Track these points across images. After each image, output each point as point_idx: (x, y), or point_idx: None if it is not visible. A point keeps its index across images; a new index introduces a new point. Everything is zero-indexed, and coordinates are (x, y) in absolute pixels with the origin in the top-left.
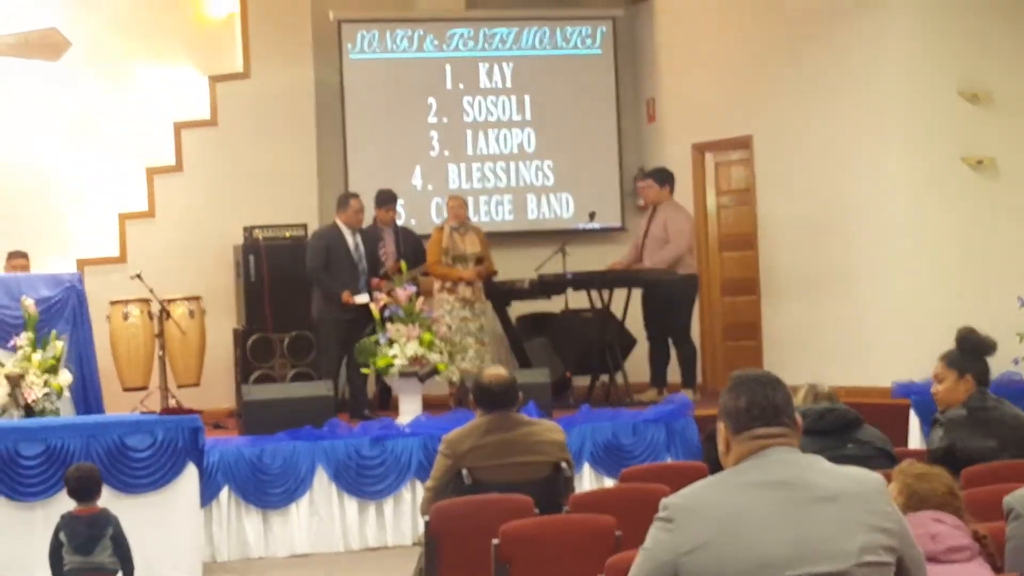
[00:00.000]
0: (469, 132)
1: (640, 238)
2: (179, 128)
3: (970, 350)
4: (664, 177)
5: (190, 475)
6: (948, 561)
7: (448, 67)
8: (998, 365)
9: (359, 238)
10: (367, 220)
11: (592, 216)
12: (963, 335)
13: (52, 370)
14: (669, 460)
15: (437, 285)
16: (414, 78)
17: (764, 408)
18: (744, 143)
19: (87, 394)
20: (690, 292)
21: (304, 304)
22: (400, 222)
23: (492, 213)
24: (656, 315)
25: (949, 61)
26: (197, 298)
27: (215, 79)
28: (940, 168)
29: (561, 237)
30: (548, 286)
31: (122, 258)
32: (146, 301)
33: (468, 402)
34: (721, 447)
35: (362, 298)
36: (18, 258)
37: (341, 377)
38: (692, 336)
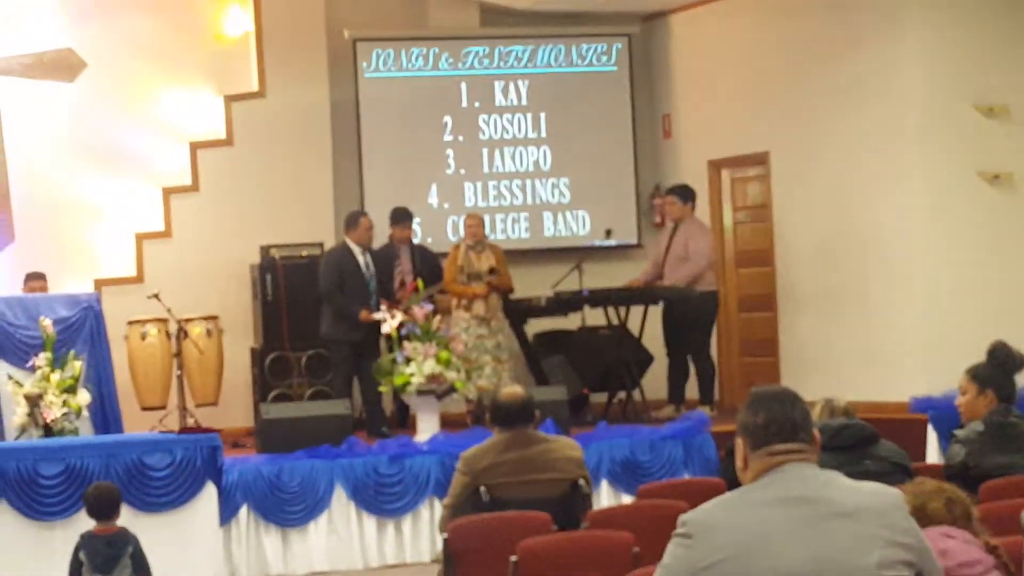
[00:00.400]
0: (485, 150)
1: (661, 255)
2: (195, 148)
3: (997, 365)
4: (687, 194)
5: (209, 494)
6: None
7: (464, 85)
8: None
9: (369, 257)
10: (382, 238)
11: (608, 233)
12: (993, 348)
13: (71, 390)
14: (687, 477)
15: (454, 303)
16: (429, 96)
17: (782, 424)
18: (761, 159)
19: (105, 414)
20: (710, 309)
21: (321, 322)
22: (416, 240)
23: (508, 231)
24: (675, 332)
25: (965, 76)
26: (214, 317)
27: (231, 98)
28: (956, 183)
29: (577, 254)
30: (565, 303)
31: (139, 278)
32: (164, 321)
33: (485, 420)
34: (739, 463)
35: (380, 315)
36: (36, 280)
37: (355, 396)
38: (711, 353)
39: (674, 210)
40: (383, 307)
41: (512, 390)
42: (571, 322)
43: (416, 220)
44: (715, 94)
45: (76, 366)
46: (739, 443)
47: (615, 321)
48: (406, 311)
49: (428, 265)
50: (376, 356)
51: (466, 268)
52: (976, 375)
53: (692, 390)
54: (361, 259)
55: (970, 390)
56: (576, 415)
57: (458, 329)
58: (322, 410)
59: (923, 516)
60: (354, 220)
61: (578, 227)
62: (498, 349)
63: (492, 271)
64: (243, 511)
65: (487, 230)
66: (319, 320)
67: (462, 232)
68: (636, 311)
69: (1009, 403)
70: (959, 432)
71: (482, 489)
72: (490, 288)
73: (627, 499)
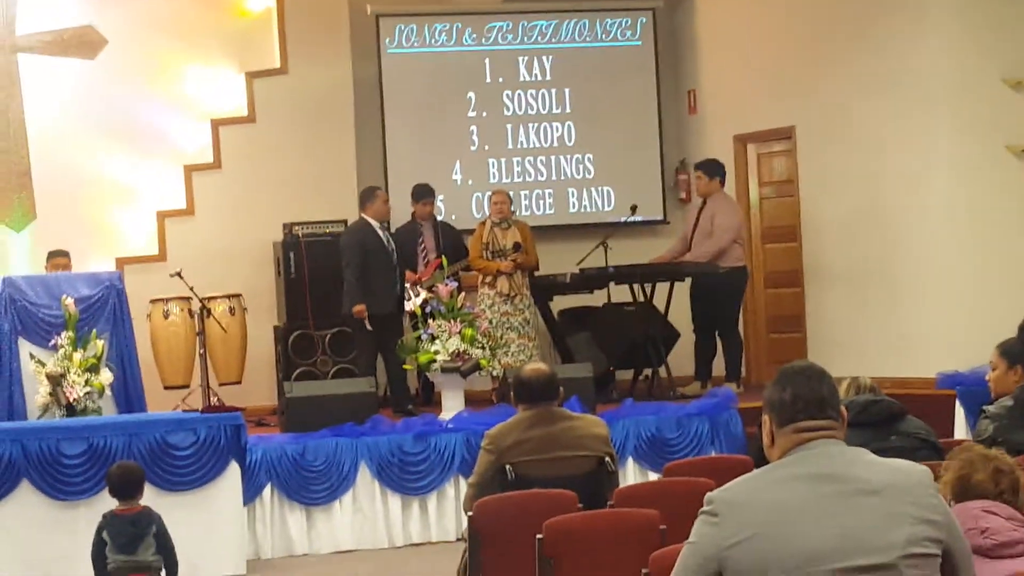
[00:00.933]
0: (509, 126)
1: (689, 230)
2: (217, 125)
3: None
4: (714, 169)
5: (233, 473)
6: (999, 557)
7: (487, 60)
8: None
9: (387, 233)
10: (405, 216)
11: (634, 209)
12: (1023, 324)
13: (93, 369)
14: (713, 454)
15: (479, 280)
16: (453, 72)
17: (809, 401)
18: (787, 134)
19: (128, 393)
20: (738, 285)
21: None
22: (440, 217)
23: (533, 207)
24: (702, 308)
25: (992, 49)
26: (237, 295)
27: (252, 75)
28: (985, 157)
29: (603, 231)
30: (590, 280)
31: (162, 256)
32: (186, 299)
33: (510, 397)
34: (766, 440)
35: (368, 323)
36: (59, 257)
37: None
38: (738, 329)
39: (701, 185)
40: (407, 284)
41: (536, 367)
42: (596, 299)
43: (440, 197)
44: (740, 69)
45: (98, 345)
46: (766, 419)
47: (641, 298)
48: (430, 288)
49: (452, 242)
50: (400, 334)
51: (491, 245)
52: (1006, 351)
53: (718, 367)
54: (382, 235)
55: (1000, 366)
56: (602, 392)
57: (483, 306)
58: (346, 388)
59: (967, 487)
60: (370, 195)
61: (603, 203)
62: (525, 326)
63: (517, 247)
64: (267, 490)
65: (512, 207)
66: (342, 298)
67: (487, 209)
68: (662, 287)
69: None
70: (989, 407)
71: (507, 467)
72: (515, 265)
73: (653, 476)
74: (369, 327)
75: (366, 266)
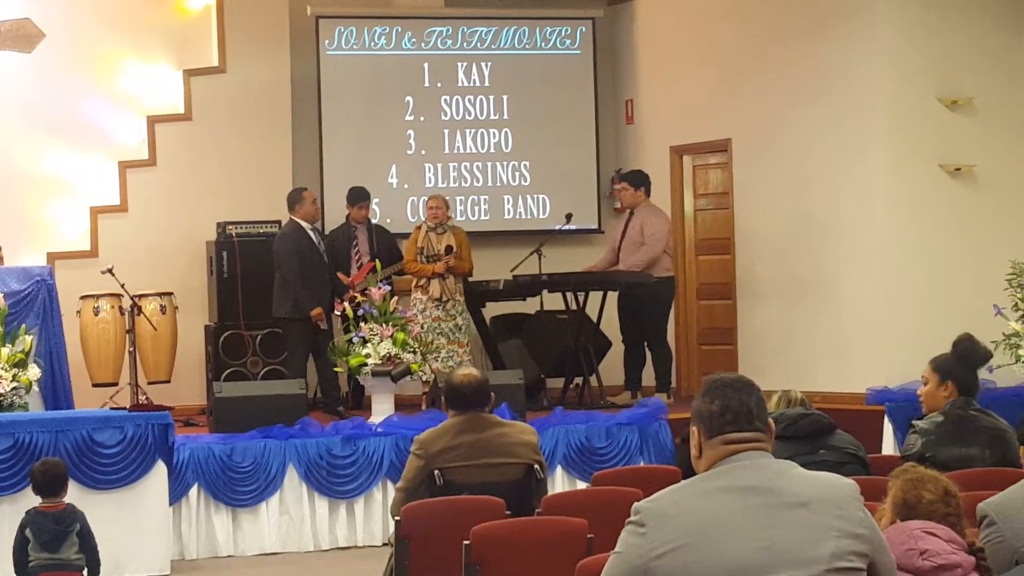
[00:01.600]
0: (446, 131)
1: (617, 240)
2: (153, 122)
3: (960, 357)
4: (639, 180)
5: (159, 472)
6: None
7: (426, 65)
8: None
9: (318, 234)
10: (340, 218)
11: (569, 217)
12: (957, 340)
13: (21, 364)
14: (642, 464)
15: (412, 284)
16: (392, 75)
17: (737, 413)
18: (722, 146)
19: (56, 389)
20: (667, 295)
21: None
22: (375, 220)
23: (468, 213)
24: (632, 318)
25: (929, 67)
26: (169, 294)
27: (190, 73)
28: (919, 174)
29: (537, 238)
30: (523, 287)
31: (93, 252)
32: (117, 296)
33: (441, 403)
34: (694, 451)
35: (323, 323)
36: None
37: (310, 376)
38: (668, 340)
39: (626, 196)
40: (345, 281)
41: (468, 372)
42: (529, 306)
43: (375, 200)
44: (678, 80)
45: (27, 340)
46: (694, 431)
47: (573, 306)
48: (363, 292)
49: (386, 246)
50: (332, 336)
51: (426, 249)
52: (938, 366)
53: (648, 377)
54: (314, 236)
55: (932, 380)
56: (532, 399)
57: (415, 311)
58: (276, 389)
59: (916, 505)
60: (298, 196)
61: (538, 211)
62: (456, 331)
63: (449, 250)
64: (194, 490)
65: (448, 212)
66: (272, 300)
67: (422, 213)
68: (595, 296)
69: (970, 396)
70: (918, 422)
71: (436, 472)
72: (447, 266)
73: (582, 485)
74: (324, 326)
75: (301, 270)
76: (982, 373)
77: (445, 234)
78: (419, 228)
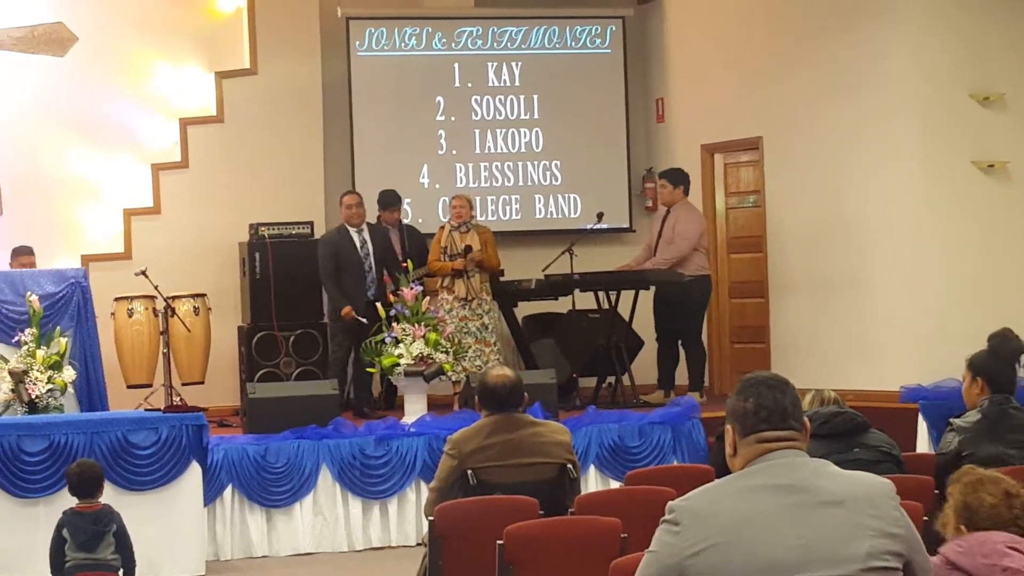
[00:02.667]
0: (477, 131)
1: (654, 238)
2: (185, 124)
3: (990, 352)
4: (678, 178)
5: (194, 473)
6: None
7: (456, 65)
8: None
9: (367, 234)
10: (372, 218)
11: (600, 217)
12: (991, 335)
13: (56, 366)
14: (675, 463)
15: (438, 284)
16: (422, 76)
17: (772, 411)
18: (754, 144)
19: (91, 391)
20: (702, 294)
21: (309, 302)
22: (407, 221)
23: (499, 213)
24: (666, 316)
25: (961, 64)
26: (202, 295)
27: (222, 75)
28: (951, 171)
29: (568, 237)
30: (555, 286)
31: (127, 255)
32: (151, 298)
33: (473, 402)
34: (728, 450)
35: (363, 319)
36: (24, 255)
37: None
38: (702, 338)
39: (665, 194)
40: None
41: (502, 372)
42: (561, 305)
43: (407, 200)
44: (709, 78)
45: (62, 342)
46: (728, 429)
47: (605, 305)
48: (395, 292)
49: (417, 246)
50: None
51: (449, 248)
52: (971, 363)
53: (681, 376)
54: (357, 238)
55: (966, 378)
56: (565, 399)
57: (443, 311)
58: (309, 390)
59: (978, 509)
60: (340, 201)
61: (569, 210)
62: (483, 331)
63: (467, 250)
64: (228, 491)
65: (478, 212)
66: (314, 299)
67: None
68: (627, 295)
69: (1004, 392)
70: (956, 420)
71: (469, 472)
72: (465, 263)
73: (615, 484)
74: (363, 322)
75: (338, 272)
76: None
77: (469, 233)
78: (443, 228)
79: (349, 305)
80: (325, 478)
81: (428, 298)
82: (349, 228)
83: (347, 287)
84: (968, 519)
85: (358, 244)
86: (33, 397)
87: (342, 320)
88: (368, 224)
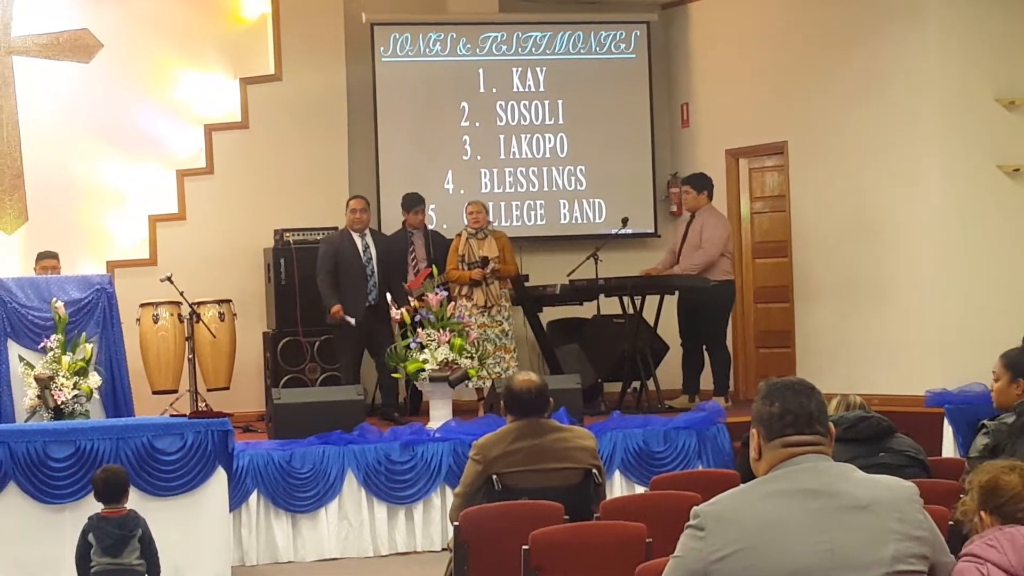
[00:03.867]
0: (502, 136)
1: (678, 244)
2: (210, 130)
3: None
4: (702, 183)
5: (219, 479)
6: None
7: (481, 71)
8: None
9: (370, 239)
10: (396, 224)
11: (625, 222)
12: None
13: (82, 372)
14: (700, 468)
15: (457, 292)
16: (447, 81)
17: (797, 415)
18: (779, 149)
19: (117, 396)
20: (726, 299)
21: None
22: (432, 226)
23: (524, 218)
24: (691, 321)
25: (986, 67)
26: (227, 301)
27: (246, 81)
28: (976, 175)
29: (593, 242)
30: (580, 292)
31: (152, 261)
32: (176, 304)
33: (498, 408)
34: (753, 454)
35: (350, 319)
36: (48, 259)
37: (368, 381)
38: (727, 343)
39: (689, 200)
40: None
41: (527, 378)
42: (586, 311)
43: (431, 206)
44: (733, 83)
45: (88, 348)
46: (754, 433)
47: (630, 310)
48: (420, 297)
49: (442, 251)
50: (389, 341)
51: (467, 256)
52: (1010, 362)
53: (706, 381)
54: (359, 243)
55: (1003, 377)
56: (590, 404)
57: (466, 316)
58: (334, 395)
59: (995, 489)
60: (346, 205)
61: (594, 215)
62: (503, 337)
63: (485, 261)
64: (253, 496)
65: (502, 217)
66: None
67: None
68: (652, 300)
69: None
70: (989, 422)
71: (494, 477)
72: (483, 273)
73: (640, 489)
74: (336, 316)
75: (335, 275)
76: None
77: (486, 240)
78: (459, 236)
79: (338, 304)
80: (350, 483)
81: (453, 303)
82: (352, 232)
83: (345, 290)
84: (988, 500)
85: (360, 248)
86: (59, 403)
87: (357, 315)
88: (373, 231)
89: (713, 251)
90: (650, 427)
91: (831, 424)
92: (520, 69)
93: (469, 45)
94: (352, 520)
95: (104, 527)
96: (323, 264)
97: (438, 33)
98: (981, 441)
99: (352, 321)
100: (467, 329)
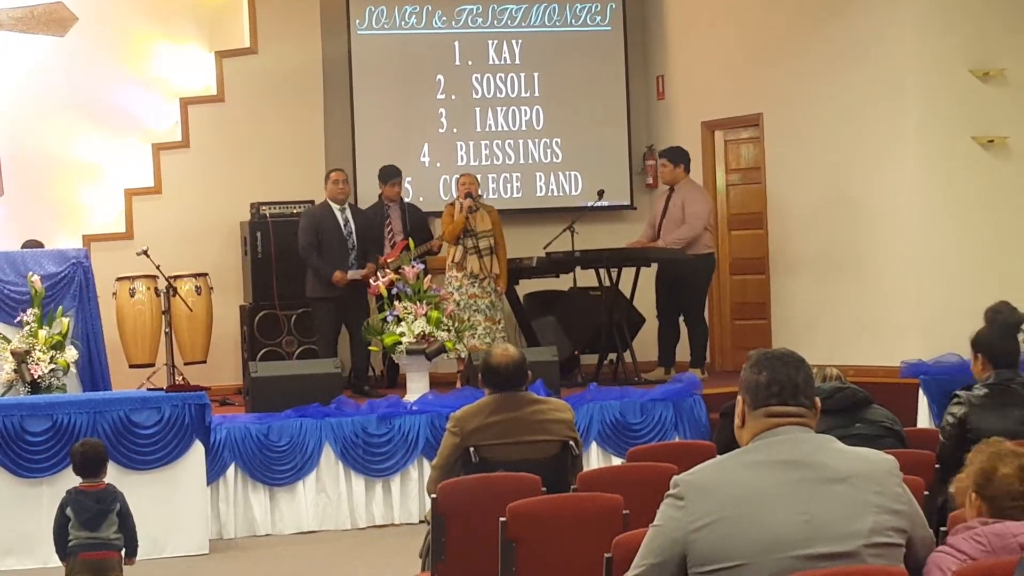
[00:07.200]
0: (478, 109)
1: (657, 217)
2: (186, 104)
3: (987, 324)
4: (679, 156)
5: (196, 452)
6: None
7: (457, 43)
8: None
9: (349, 213)
10: (373, 197)
11: (601, 194)
12: (986, 310)
13: (58, 346)
14: (677, 439)
15: (448, 261)
16: (422, 54)
17: (784, 386)
18: (754, 121)
19: (93, 370)
20: (705, 271)
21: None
22: (408, 199)
23: (500, 191)
24: (669, 294)
25: (961, 39)
26: (204, 275)
27: (222, 54)
28: (951, 147)
29: (569, 215)
30: (556, 264)
31: (128, 234)
32: (153, 278)
33: (476, 380)
34: (737, 421)
35: (354, 273)
36: (33, 247)
37: (344, 354)
38: (704, 316)
39: (666, 173)
40: (367, 267)
41: (505, 351)
42: (562, 283)
43: (408, 179)
44: (709, 55)
45: (64, 322)
46: (739, 400)
47: (607, 282)
48: (396, 270)
49: (418, 224)
50: (365, 315)
51: (471, 229)
52: (972, 340)
53: (682, 353)
54: (340, 216)
55: (971, 356)
56: (566, 376)
57: (450, 288)
58: (312, 369)
59: (990, 480)
60: (326, 176)
61: (570, 187)
62: (491, 308)
63: (491, 249)
64: (231, 470)
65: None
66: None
67: (454, 191)
68: (628, 273)
69: (1005, 367)
70: (962, 392)
71: (471, 450)
72: (500, 286)
73: (617, 461)
74: (340, 281)
75: (319, 247)
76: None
77: (478, 212)
78: (452, 205)
79: (338, 270)
80: (328, 456)
81: (430, 276)
82: (333, 205)
83: (327, 263)
84: (982, 484)
85: (341, 221)
86: (35, 377)
87: (330, 286)
88: (351, 205)
89: (697, 225)
90: (627, 399)
91: (817, 399)
92: (496, 41)
93: (445, 18)
94: (330, 493)
95: (82, 501)
96: (307, 237)
97: (414, 6)
98: (955, 410)
99: (360, 274)
100: (444, 302)
